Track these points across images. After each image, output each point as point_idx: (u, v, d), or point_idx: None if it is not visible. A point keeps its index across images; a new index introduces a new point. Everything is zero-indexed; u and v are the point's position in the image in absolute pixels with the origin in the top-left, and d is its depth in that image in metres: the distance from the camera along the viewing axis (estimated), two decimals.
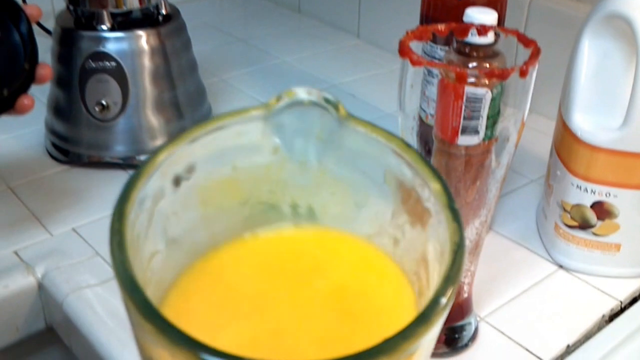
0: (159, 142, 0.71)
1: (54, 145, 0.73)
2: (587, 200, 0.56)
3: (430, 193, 0.28)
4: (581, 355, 0.52)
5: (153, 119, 0.71)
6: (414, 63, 0.41)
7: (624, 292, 0.57)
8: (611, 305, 0.56)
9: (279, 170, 0.32)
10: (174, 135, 0.29)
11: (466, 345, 0.52)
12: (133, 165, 0.71)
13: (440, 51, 0.52)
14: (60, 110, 0.72)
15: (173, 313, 0.29)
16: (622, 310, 0.56)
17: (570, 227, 0.58)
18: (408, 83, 0.43)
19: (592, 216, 0.56)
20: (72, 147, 0.72)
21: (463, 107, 0.42)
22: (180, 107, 0.73)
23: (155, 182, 0.28)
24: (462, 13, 0.49)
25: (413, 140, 0.46)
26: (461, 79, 0.40)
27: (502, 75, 0.40)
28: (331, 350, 0.26)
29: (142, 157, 0.71)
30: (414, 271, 0.30)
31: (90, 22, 0.68)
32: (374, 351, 0.21)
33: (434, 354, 0.51)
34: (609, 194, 0.55)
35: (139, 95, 0.69)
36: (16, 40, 0.53)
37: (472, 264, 0.49)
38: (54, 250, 0.60)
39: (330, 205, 0.34)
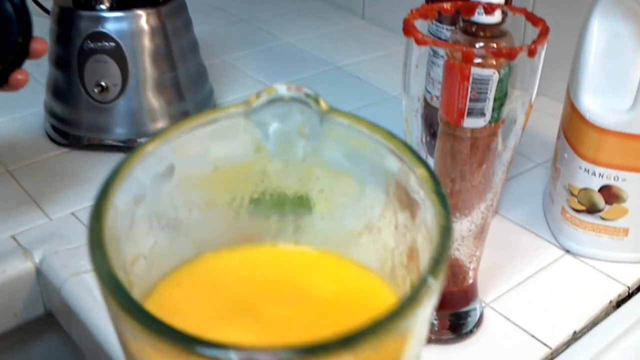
0: (160, 124, 0.70)
1: (54, 127, 0.72)
2: (595, 184, 0.55)
3: (416, 181, 0.28)
4: (588, 341, 0.51)
5: (154, 100, 0.70)
6: (419, 42, 0.40)
7: (632, 278, 0.57)
8: (619, 290, 0.55)
9: (262, 170, 0.32)
10: (151, 136, 0.29)
11: (471, 332, 0.51)
12: (134, 148, 0.70)
13: (446, 32, 0.52)
14: (59, 92, 0.71)
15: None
16: (630, 295, 0.56)
17: (577, 211, 0.57)
18: (413, 63, 0.42)
19: (600, 200, 0.56)
20: (71, 130, 0.71)
21: (469, 89, 0.41)
22: (181, 89, 0.72)
23: (133, 183, 0.28)
24: None
25: (417, 123, 0.45)
26: (467, 59, 0.40)
27: (510, 54, 0.39)
28: None
29: (143, 140, 0.70)
30: (404, 265, 0.30)
31: (89, 1, 0.67)
32: (363, 332, 0.21)
33: (438, 340, 0.50)
34: (618, 178, 0.54)
35: (139, 76, 0.68)
36: (8, 12, 0.51)
37: (477, 248, 0.48)
38: (52, 235, 0.59)
39: (317, 203, 0.33)
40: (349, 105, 0.80)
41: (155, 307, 0.29)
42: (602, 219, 0.56)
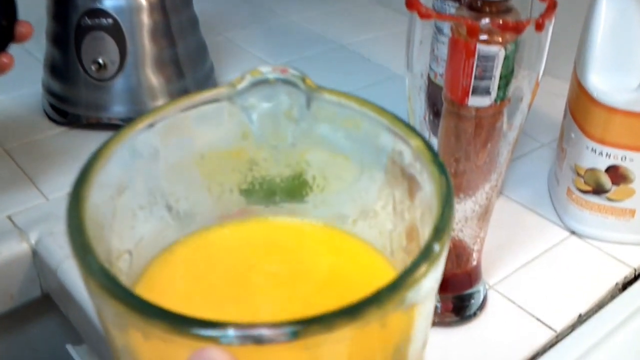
0: (159, 102, 0.69)
1: (52, 106, 0.71)
2: (602, 164, 0.54)
3: (412, 154, 0.27)
4: (593, 324, 0.51)
5: (153, 78, 0.68)
6: (423, 16, 0.39)
7: (638, 260, 0.56)
8: (625, 272, 0.55)
9: (251, 158, 0.31)
10: (132, 120, 0.28)
11: (475, 314, 0.50)
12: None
13: (451, 8, 0.50)
14: (57, 70, 0.70)
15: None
16: (636, 278, 0.55)
17: (583, 192, 0.56)
18: (417, 39, 0.41)
19: (606, 181, 0.55)
20: (70, 108, 0.70)
21: (474, 66, 0.40)
22: (180, 66, 0.71)
23: (113, 170, 0.27)
24: None
25: (421, 101, 0.44)
26: (473, 33, 0.38)
27: (517, 28, 0.38)
28: None
29: None
30: (404, 248, 0.29)
31: None
32: (368, 301, 0.21)
33: (442, 323, 0.49)
34: (625, 158, 0.53)
35: (138, 53, 0.67)
36: None
37: (481, 230, 0.48)
38: (49, 215, 0.58)
39: (310, 191, 0.33)
40: (353, 84, 0.79)
41: (145, 291, 0.28)
42: (609, 199, 0.56)
